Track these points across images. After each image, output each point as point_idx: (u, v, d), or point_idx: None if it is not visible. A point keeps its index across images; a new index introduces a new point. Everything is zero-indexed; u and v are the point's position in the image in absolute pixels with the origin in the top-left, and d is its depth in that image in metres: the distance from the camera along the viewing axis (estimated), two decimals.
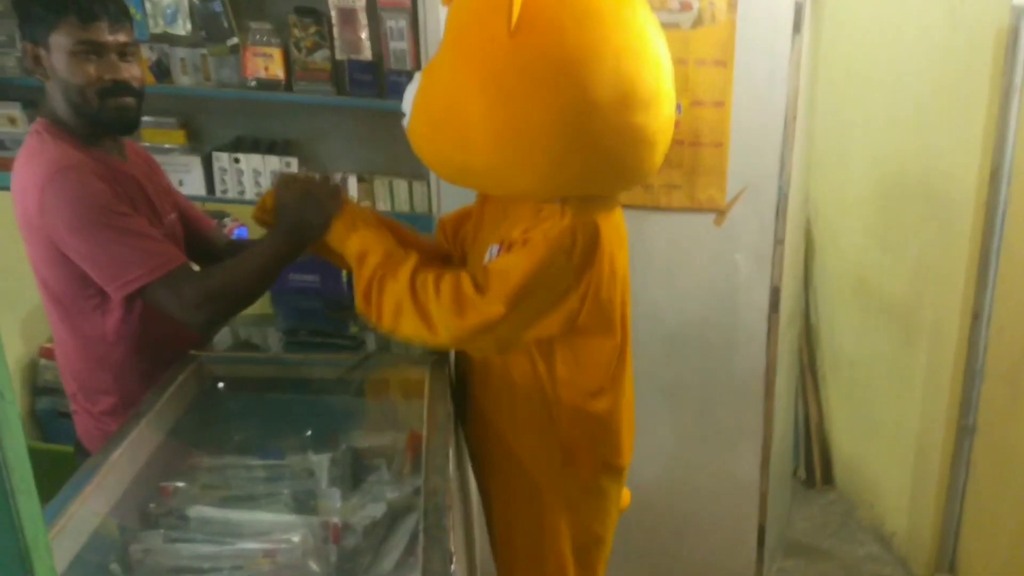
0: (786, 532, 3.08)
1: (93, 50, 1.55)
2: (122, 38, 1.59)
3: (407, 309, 1.49)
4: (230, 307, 1.65)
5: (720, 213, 2.40)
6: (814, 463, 3.41)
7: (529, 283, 1.45)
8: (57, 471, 1.48)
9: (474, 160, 1.48)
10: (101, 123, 1.60)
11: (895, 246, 2.93)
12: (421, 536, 1.10)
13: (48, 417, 3.04)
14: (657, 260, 2.44)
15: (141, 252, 1.55)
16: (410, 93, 1.55)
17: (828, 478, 3.42)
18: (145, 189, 1.71)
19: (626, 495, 1.85)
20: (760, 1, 2.22)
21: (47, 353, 2.99)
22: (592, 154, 1.45)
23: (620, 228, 1.63)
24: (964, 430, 2.57)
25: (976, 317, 2.49)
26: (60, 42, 1.54)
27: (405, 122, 1.57)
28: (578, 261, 1.48)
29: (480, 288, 1.46)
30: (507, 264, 1.47)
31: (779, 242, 2.40)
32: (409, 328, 1.51)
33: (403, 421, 1.79)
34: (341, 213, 1.60)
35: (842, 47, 3.04)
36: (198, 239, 1.88)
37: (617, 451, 1.71)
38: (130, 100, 1.61)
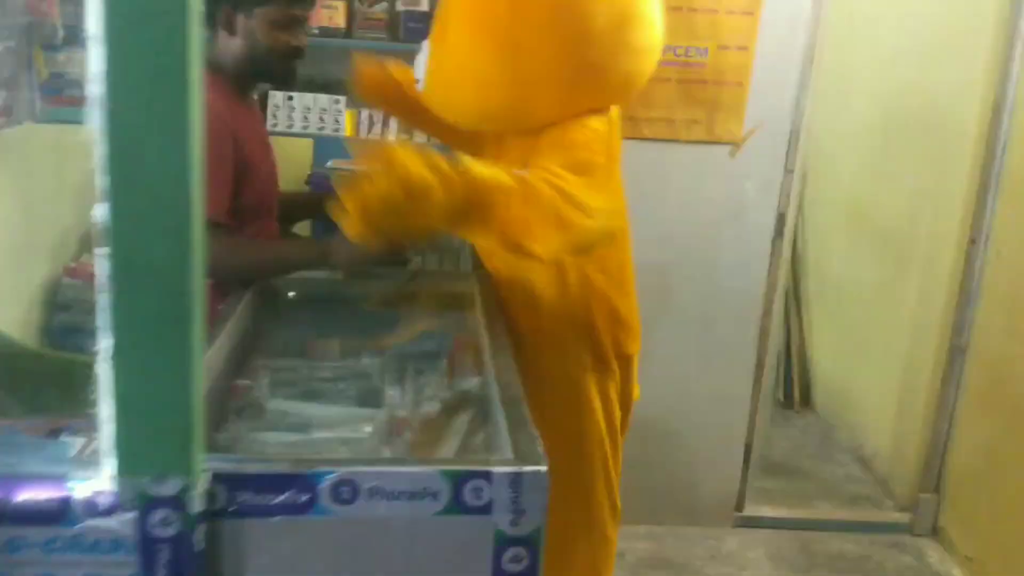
0: (767, 453, 3.27)
1: (292, 22, 1.76)
2: (309, 11, 1.82)
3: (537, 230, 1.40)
4: (229, 275, 1.76)
5: (735, 145, 2.53)
6: (793, 385, 3.61)
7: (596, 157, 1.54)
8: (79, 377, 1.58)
9: (495, 106, 1.59)
10: (272, 78, 1.88)
11: (891, 175, 3.08)
12: (503, 422, 1.23)
13: (64, 332, 3.12)
14: (674, 187, 2.57)
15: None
16: (421, 62, 1.66)
17: (807, 400, 3.64)
18: (262, 135, 1.93)
19: (636, 389, 1.99)
20: None
21: (71, 272, 3.06)
22: (598, 73, 1.58)
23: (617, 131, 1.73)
24: (956, 349, 2.73)
25: (974, 242, 2.65)
26: (268, 13, 1.73)
27: (419, 87, 1.67)
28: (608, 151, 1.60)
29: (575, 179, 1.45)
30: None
31: (788, 171, 2.55)
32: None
33: (447, 328, 1.90)
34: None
35: None
36: None
37: (635, 338, 1.85)
38: (298, 61, 1.82)
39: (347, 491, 1.01)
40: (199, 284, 0.93)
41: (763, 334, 2.71)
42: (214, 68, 1.77)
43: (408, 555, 1.05)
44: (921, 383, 2.88)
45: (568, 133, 1.55)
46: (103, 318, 0.91)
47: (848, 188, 3.37)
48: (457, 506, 1.02)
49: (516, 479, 1.03)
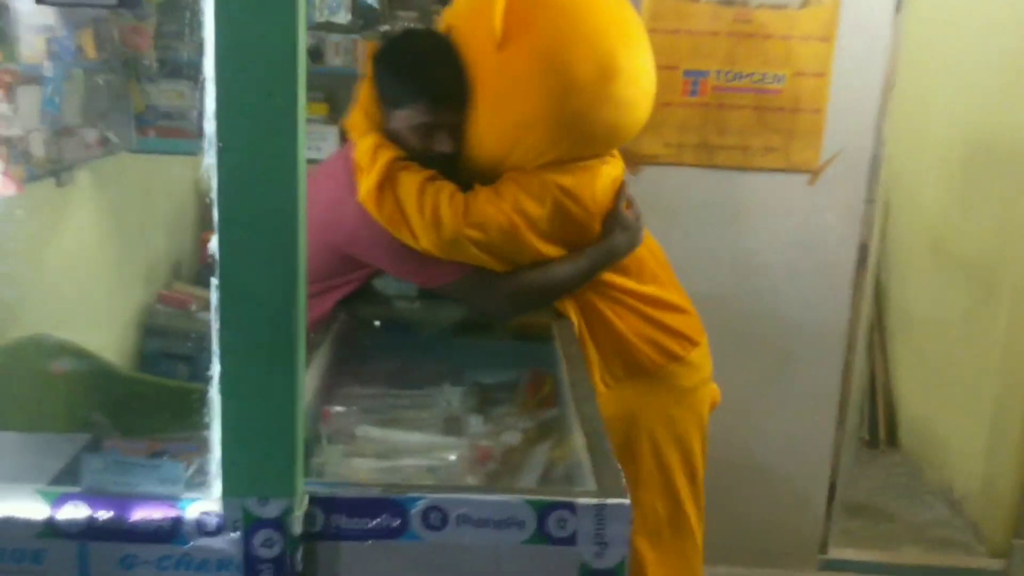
0: (851, 495, 3.18)
1: (430, 129, 1.65)
2: (453, 119, 1.65)
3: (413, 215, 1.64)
4: (543, 301, 1.79)
5: (814, 174, 2.51)
6: (879, 423, 3.52)
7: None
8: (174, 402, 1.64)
9: (487, 151, 1.66)
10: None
11: (976, 206, 3.01)
12: (585, 453, 1.25)
13: (155, 357, 3.26)
14: (751, 215, 2.55)
15: None
16: None
17: (892, 440, 3.54)
18: None
19: (715, 391, 1.97)
20: None
21: (164, 299, 3.21)
22: (581, 124, 1.64)
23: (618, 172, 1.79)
24: None
25: None
26: (405, 115, 1.65)
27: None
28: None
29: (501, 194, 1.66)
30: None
31: (870, 202, 2.52)
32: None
33: (523, 361, 1.93)
34: None
35: (930, 14, 3.09)
36: None
37: (681, 342, 1.86)
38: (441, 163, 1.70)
39: (437, 517, 1.04)
40: (302, 314, 0.98)
41: (847, 370, 2.65)
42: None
43: None
44: (1013, 421, 2.78)
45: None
46: (214, 345, 0.96)
47: (931, 219, 3.30)
48: (542, 536, 1.04)
49: (600, 511, 1.05)
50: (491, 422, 1.71)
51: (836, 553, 2.78)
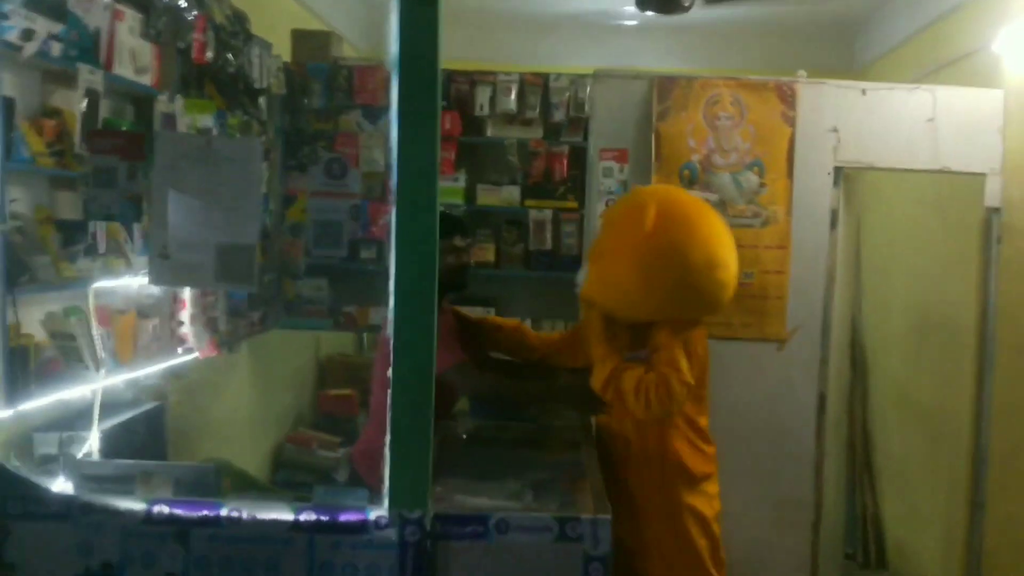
0: None
1: (451, 249, 2.74)
2: (462, 243, 2.85)
3: (631, 400, 2.51)
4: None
5: (782, 342, 3.38)
6: (870, 547, 4.19)
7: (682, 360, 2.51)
8: None
9: (626, 302, 2.58)
10: (451, 289, 2.81)
11: (926, 365, 3.82)
12: (590, 496, 2.08)
13: (283, 485, 4.15)
14: (735, 373, 3.40)
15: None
16: (581, 273, 2.69)
17: (882, 561, 4.19)
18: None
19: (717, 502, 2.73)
20: (807, 209, 3.35)
21: (292, 439, 4.16)
22: (693, 294, 2.56)
23: (704, 335, 2.68)
24: (976, 506, 3.36)
25: (979, 416, 3.35)
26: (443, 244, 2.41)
27: (577, 290, 2.67)
28: (692, 349, 2.56)
29: (678, 368, 2.50)
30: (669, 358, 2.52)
31: (823, 361, 3.37)
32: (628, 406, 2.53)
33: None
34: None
35: (882, 228, 4.07)
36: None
37: (711, 462, 2.69)
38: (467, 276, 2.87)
39: (503, 526, 1.88)
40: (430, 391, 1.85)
41: (817, 491, 3.41)
42: None
43: (536, 566, 1.88)
44: (957, 536, 3.47)
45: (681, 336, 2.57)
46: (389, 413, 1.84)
47: (895, 376, 4.12)
48: (563, 537, 1.87)
49: (594, 522, 1.88)
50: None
51: None
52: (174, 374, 2.79)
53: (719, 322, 3.40)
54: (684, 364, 2.51)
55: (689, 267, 2.51)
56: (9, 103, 1.99)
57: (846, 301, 3.74)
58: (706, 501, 2.64)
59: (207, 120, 2.86)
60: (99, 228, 2.38)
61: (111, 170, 1.75)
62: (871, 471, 4.29)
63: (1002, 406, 3.28)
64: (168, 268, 1.79)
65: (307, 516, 1.86)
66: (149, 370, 2.67)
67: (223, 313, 3.41)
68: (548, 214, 4.13)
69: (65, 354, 2.26)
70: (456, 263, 2.79)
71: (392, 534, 1.84)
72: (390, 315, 1.81)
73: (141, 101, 2.73)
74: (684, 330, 2.57)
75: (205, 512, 1.86)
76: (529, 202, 4.17)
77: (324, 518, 1.86)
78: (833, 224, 3.36)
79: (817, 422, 3.39)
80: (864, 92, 3.38)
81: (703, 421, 2.69)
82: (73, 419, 2.33)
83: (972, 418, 3.38)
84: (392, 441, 1.84)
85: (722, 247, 2.59)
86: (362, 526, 1.85)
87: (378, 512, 1.85)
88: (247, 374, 3.83)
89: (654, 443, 2.62)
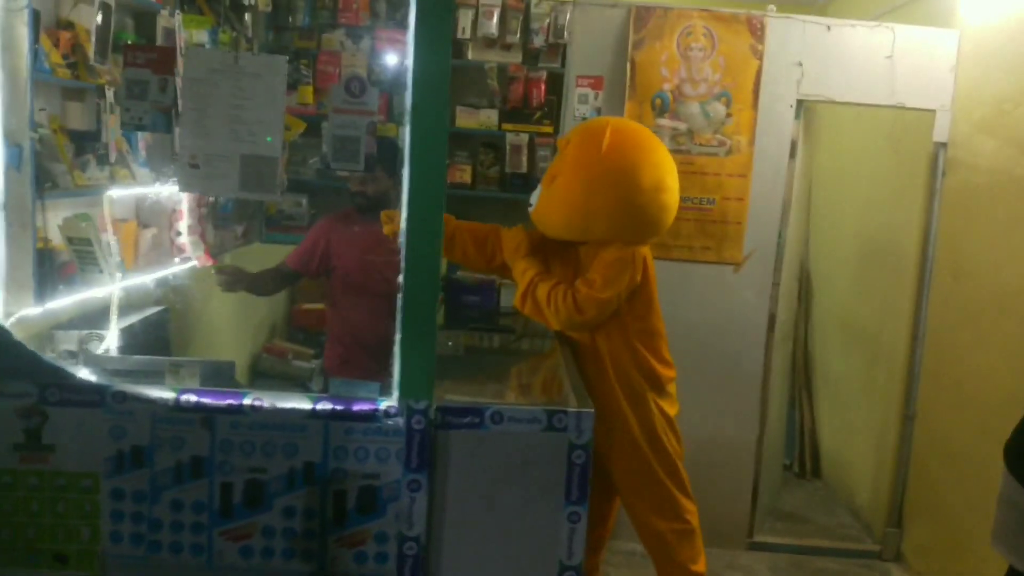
0: (779, 507, 4.20)
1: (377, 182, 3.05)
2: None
3: (545, 309, 2.72)
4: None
5: (738, 265, 3.65)
6: (805, 458, 4.57)
7: (617, 275, 2.70)
8: None
9: (574, 225, 2.76)
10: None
11: (867, 290, 4.14)
12: (572, 392, 2.33)
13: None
14: (693, 296, 3.68)
15: None
16: (535, 195, 2.85)
17: (816, 471, 4.58)
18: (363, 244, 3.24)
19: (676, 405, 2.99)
20: (769, 138, 3.53)
21: (267, 349, 4.33)
22: (639, 216, 2.72)
23: (649, 256, 2.88)
24: (907, 418, 3.73)
25: (915, 338, 3.68)
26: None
27: (531, 209, 2.87)
28: (636, 264, 2.75)
29: (591, 285, 2.70)
30: (604, 270, 2.72)
31: (775, 284, 3.65)
32: (546, 318, 2.75)
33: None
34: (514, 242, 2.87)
35: (834, 160, 4.32)
36: None
37: (671, 369, 2.92)
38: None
39: (497, 416, 2.11)
40: (436, 294, 2.05)
41: (763, 404, 3.73)
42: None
43: (525, 452, 2.12)
44: (889, 447, 3.84)
45: (606, 255, 2.72)
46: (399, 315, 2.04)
47: (839, 302, 4.44)
48: (550, 427, 2.11)
49: (578, 415, 2.12)
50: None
51: (760, 538, 3.79)
52: (175, 281, 2.94)
53: (680, 245, 3.66)
54: (600, 282, 2.69)
55: (639, 187, 2.68)
56: (36, 15, 2.08)
57: (798, 228, 4.00)
58: (670, 403, 2.91)
59: (202, 36, 2.94)
60: (109, 139, 2.49)
61: (143, 83, 1.86)
62: (810, 388, 4.65)
63: (935, 327, 3.61)
64: (197, 177, 1.92)
65: (323, 405, 2.06)
66: (158, 274, 2.81)
67: (210, 226, 3.54)
68: (524, 138, 4.26)
69: (80, 258, 2.40)
70: (373, 192, 3.12)
71: (400, 422, 2.05)
72: (403, 224, 1.98)
73: (141, 16, 2.80)
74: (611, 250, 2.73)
75: (230, 401, 2.05)
76: (506, 126, 4.30)
77: (339, 407, 2.06)
78: (792, 155, 3.60)
79: (767, 341, 3.69)
80: (829, 28, 3.58)
81: (661, 327, 2.93)
82: (89, 319, 2.48)
83: (909, 339, 3.71)
84: (402, 339, 2.03)
85: (668, 174, 2.77)
86: (373, 415, 2.05)
87: (388, 403, 2.06)
88: None
89: (627, 356, 2.87)
